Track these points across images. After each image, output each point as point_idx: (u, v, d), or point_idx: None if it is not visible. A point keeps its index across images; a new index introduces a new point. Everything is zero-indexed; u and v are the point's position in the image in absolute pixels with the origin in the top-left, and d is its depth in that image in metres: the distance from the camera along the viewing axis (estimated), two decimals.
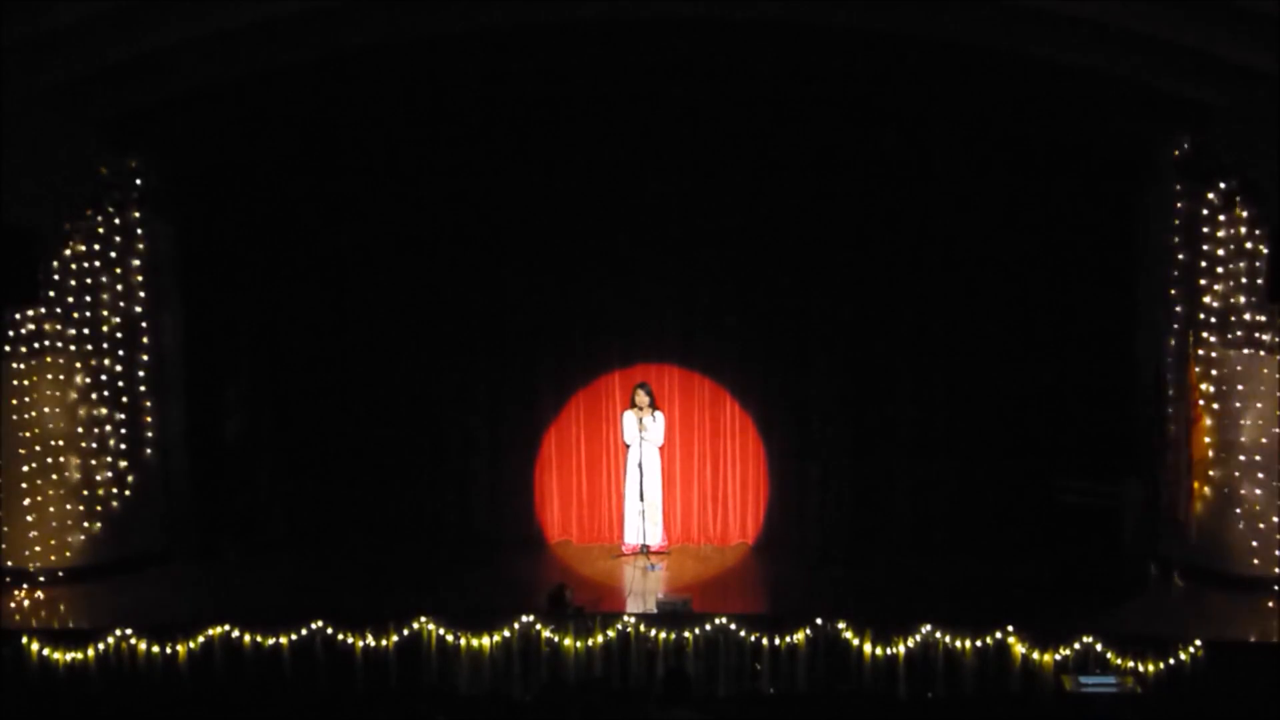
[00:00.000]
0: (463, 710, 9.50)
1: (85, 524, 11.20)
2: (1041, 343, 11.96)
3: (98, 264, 11.25)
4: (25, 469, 11.05)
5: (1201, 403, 10.80)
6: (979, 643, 9.49)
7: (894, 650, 9.51)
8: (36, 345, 11.04)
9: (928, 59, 10.80)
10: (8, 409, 11.00)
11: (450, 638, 9.70)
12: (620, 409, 12.09)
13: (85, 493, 11.20)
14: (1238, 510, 10.66)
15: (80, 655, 9.67)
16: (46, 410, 11.10)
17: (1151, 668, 9.22)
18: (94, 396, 11.23)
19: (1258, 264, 10.51)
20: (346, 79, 11.25)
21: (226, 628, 9.75)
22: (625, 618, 9.77)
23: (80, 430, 11.19)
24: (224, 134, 11.83)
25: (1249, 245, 10.57)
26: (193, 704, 9.56)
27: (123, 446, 11.40)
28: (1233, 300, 10.64)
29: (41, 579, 11.04)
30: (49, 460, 11.10)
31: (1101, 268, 11.84)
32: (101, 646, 9.69)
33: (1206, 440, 10.79)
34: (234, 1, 9.79)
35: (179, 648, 9.71)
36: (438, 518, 12.45)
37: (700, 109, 11.92)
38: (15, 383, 11.02)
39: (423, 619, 9.74)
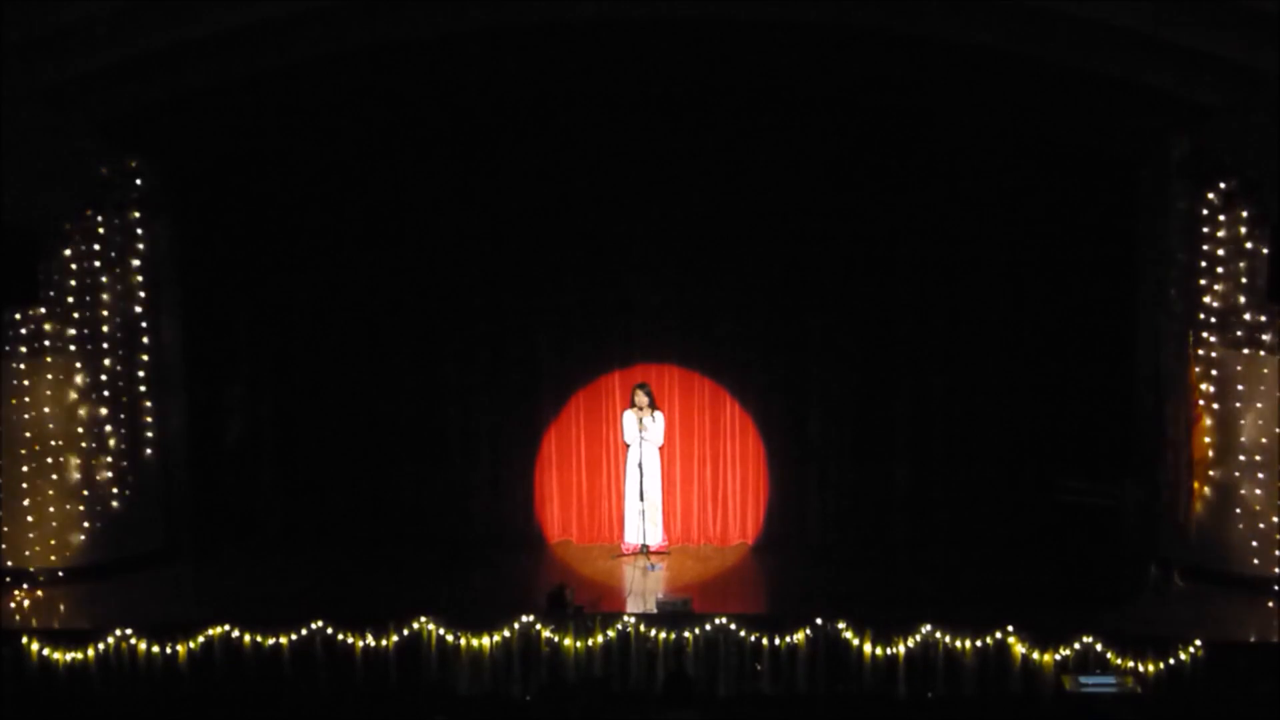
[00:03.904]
0: (463, 710, 9.50)
1: (85, 524, 11.20)
2: (1041, 343, 11.96)
3: (98, 264, 11.24)
4: (25, 469, 11.05)
5: (1201, 403, 10.80)
6: (979, 643, 9.49)
7: (894, 650, 9.51)
8: (36, 345, 11.03)
9: (928, 59, 10.81)
10: (8, 409, 11.00)
11: (450, 638, 9.70)
12: (620, 409, 12.09)
13: (85, 493, 11.20)
14: (1238, 510, 10.66)
15: (80, 655, 9.67)
16: (46, 410, 11.09)
17: (1151, 668, 9.23)
18: (94, 396, 11.23)
19: (1258, 264, 10.51)
20: (346, 78, 11.25)
21: (226, 628, 9.75)
22: (625, 618, 9.77)
23: (80, 430, 11.18)
24: (224, 134, 11.83)
25: (1249, 245, 10.57)
26: (193, 704, 9.56)
27: (123, 446, 11.39)
28: (1233, 300, 10.64)
29: (41, 579, 11.03)
30: (49, 460, 11.10)
31: (1101, 268, 11.84)
32: (101, 646, 9.69)
33: (1206, 440, 10.79)
34: (234, 1, 9.80)
35: (179, 648, 9.71)
36: (438, 518, 12.43)
37: (700, 108, 11.92)
38: (15, 383, 11.01)
39: (423, 619, 9.74)
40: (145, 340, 11.58)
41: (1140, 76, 10.34)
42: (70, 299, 11.13)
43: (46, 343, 11.06)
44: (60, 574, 11.08)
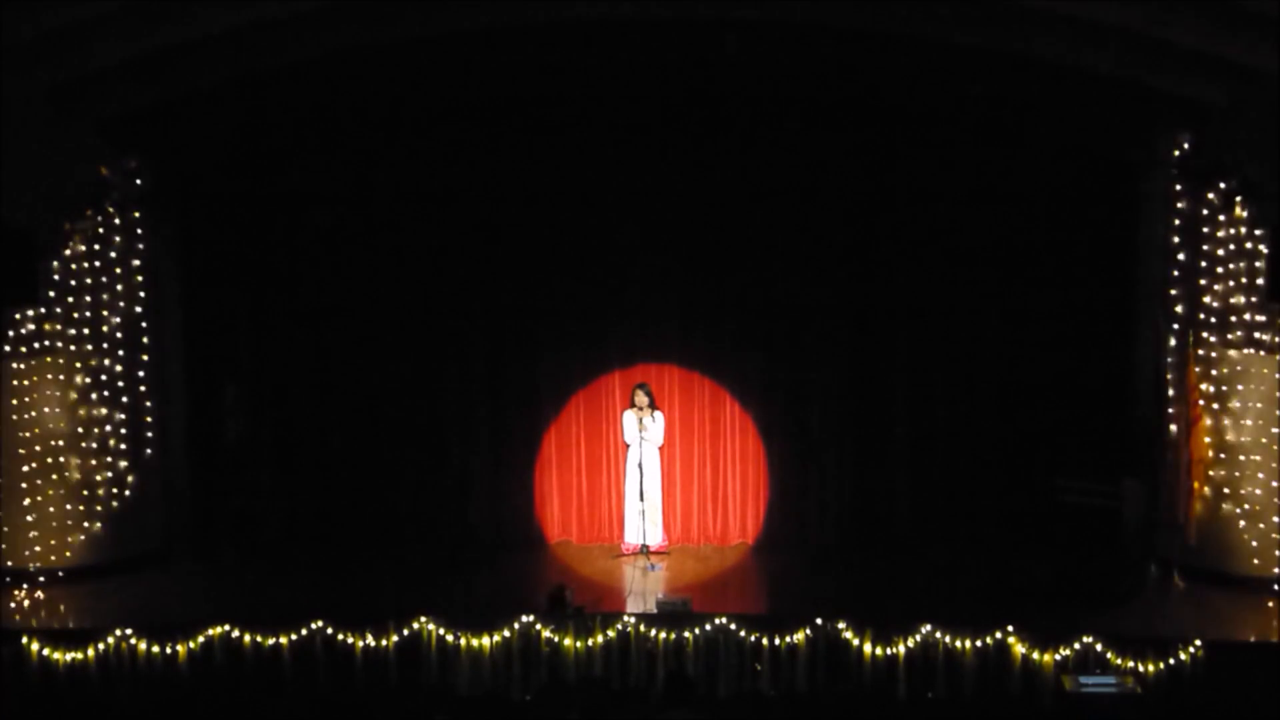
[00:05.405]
0: (463, 710, 9.50)
1: (85, 524, 11.20)
2: (1041, 342, 11.95)
3: (98, 264, 11.25)
4: (25, 469, 11.05)
5: (1201, 403, 10.80)
6: (979, 643, 9.49)
7: (894, 650, 9.51)
8: (36, 345, 11.03)
9: (928, 59, 10.81)
10: (8, 409, 11.00)
11: (450, 638, 9.70)
12: (620, 409, 12.09)
13: (85, 493, 11.20)
14: (1238, 510, 10.66)
15: (80, 655, 9.67)
16: (46, 410, 11.09)
17: (1151, 668, 9.23)
18: (94, 396, 11.23)
19: (1258, 264, 10.52)
20: (346, 78, 11.25)
21: (226, 628, 9.75)
22: (625, 618, 9.77)
23: (80, 430, 11.18)
24: (224, 134, 11.83)
25: (1249, 245, 10.57)
26: (193, 704, 9.56)
27: (123, 446, 11.39)
28: (1233, 300, 10.65)
29: (41, 579, 11.03)
30: (49, 460, 11.10)
31: (1101, 268, 11.84)
32: (101, 646, 9.69)
33: (1206, 440, 10.79)
34: (233, 1, 9.80)
35: (179, 648, 9.71)
36: (438, 518, 12.42)
37: (701, 108, 11.92)
38: (15, 383, 11.01)
39: (423, 619, 9.74)
40: (145, 340, 11.58)
41: (1140, 76, 10.35)
42: (70, 299, 11.13)
43: (46, 343, 11.06)
44: (60, 574, 11.08)
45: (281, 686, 9.67)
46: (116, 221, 11.35)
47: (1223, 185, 10.62)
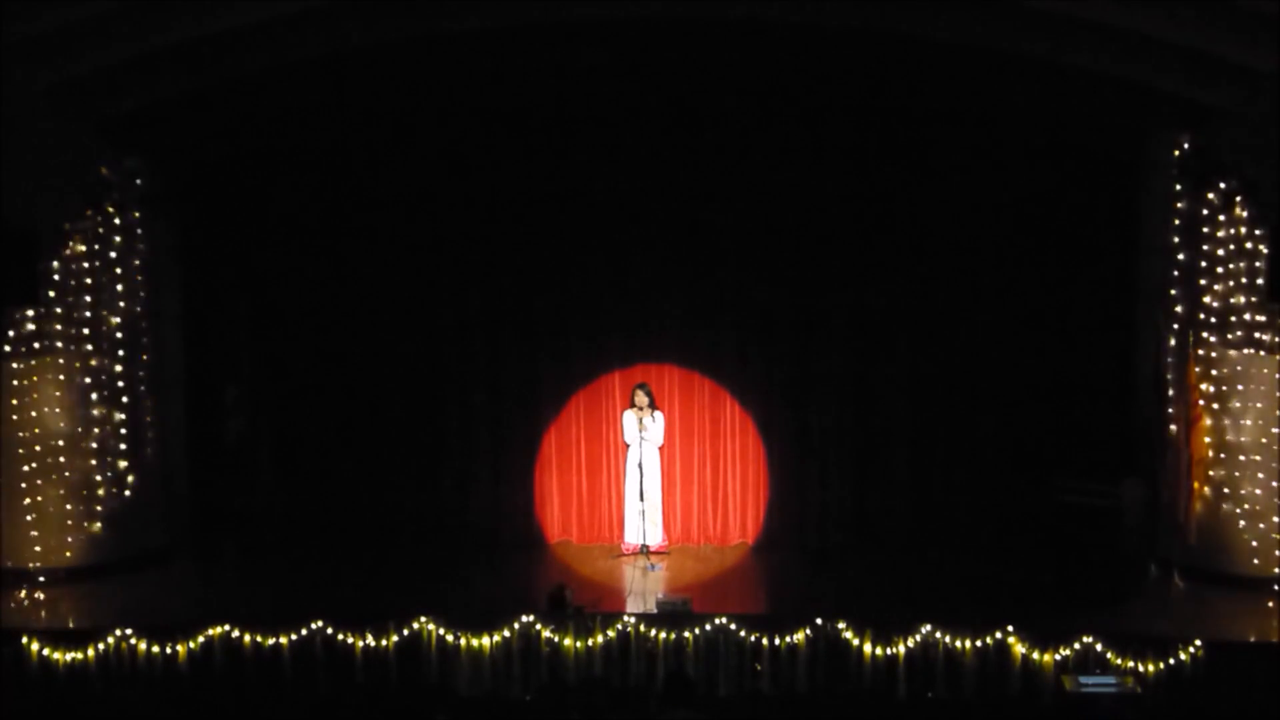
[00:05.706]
0: (463, 710, 9.50)
1: (85, 524, 11.19)
2: (1041, 343, 11.96)
3: (98, 264, 11.24)
4: (25, 469, 11.04)
5: (1201, 403, 10.80)
6: (979, 643, 9.49)
7: (894, 650, 9.51)
8: (36, 345, 11.03)
9: (928, 59, 10.81)
10: (8, 409, 10.99)
11: (450, 638, 9.70)
12: (620, 409, 12.09)
13: (85, 493, 11.19)
14: (1238, 510, 10.66)
15: (80, 655, 9.67)
16: (46, 410, 11.09)
17: (1151, 668, 9.23)
18: (94, 396, 11.22)
19: (1258, 264, 10.53)
20: (346, 78, 11.26)
21: (226, 628, 9.75)
22: (625, 618, 9.78)
23: (80, 430, 11.18)
24: (224, 134, 11.83)
25: (1249, 245, 10.58)
26: (193, 704, 9.56)
27: (123, 446, 11.39)
28: (1233, 300, 10.65)
29: (41, 579, 11.03)
30: (49, 460, 11.09)
31: (1102, 268, 11.85)
32: (101, 646, 9.69)
33: (1206, 440, 10.79)
34: (234, 2, 9.80)
35: (179, 648, 9.71)
36: (438, 518, 12.43)
37: (701, 108, 11.93)
38: (15, 383, 11.01)
39: (423, 619, 9.74)
40: (145, 340, 11.58)
41: (1140, 76, 10.34)
42: (70, 299, 11.12)
43: (46, 343, 11.06)
44: (60, 574, 11.07)
45: (281, 686, 9.67)
46: (116, 221, 11.34)
47: (1223, 185, 10.62)
